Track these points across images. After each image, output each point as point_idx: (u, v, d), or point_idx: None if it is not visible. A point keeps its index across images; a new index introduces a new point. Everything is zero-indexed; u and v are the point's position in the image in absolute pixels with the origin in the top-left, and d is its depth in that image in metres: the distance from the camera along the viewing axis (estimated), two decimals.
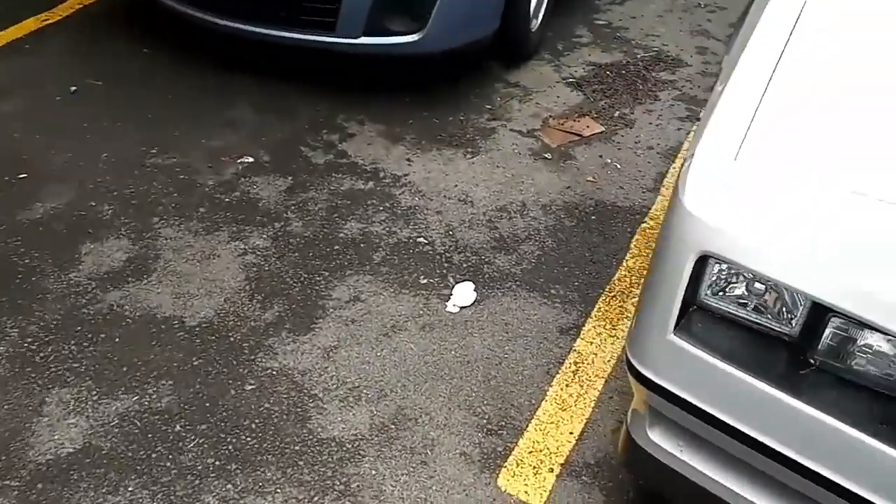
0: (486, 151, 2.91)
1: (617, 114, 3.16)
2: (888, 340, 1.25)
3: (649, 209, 2.67)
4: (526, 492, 1.79)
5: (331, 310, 2.22)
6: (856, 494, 1.28)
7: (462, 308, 2.26)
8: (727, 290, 1.38)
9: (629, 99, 3.25)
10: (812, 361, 1.32)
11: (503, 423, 1.95)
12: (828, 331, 1.28)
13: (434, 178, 2.76)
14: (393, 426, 1.91)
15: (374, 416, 1.93)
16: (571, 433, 1.93)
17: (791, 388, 1.31)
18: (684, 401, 1.41)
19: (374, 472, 1.81)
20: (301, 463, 1.82)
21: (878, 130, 1.43)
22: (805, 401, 1.29)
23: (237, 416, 1.91)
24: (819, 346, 1.30)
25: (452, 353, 2.12)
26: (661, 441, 1.53)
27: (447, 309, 2.26)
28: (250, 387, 1.98)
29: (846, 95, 1.50)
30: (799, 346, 1.32)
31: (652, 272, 1.44)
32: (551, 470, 1.84)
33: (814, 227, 1.28)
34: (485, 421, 1.95)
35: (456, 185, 2.74)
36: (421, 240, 2.50)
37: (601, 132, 3.05)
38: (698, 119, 3.10)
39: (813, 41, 1.61)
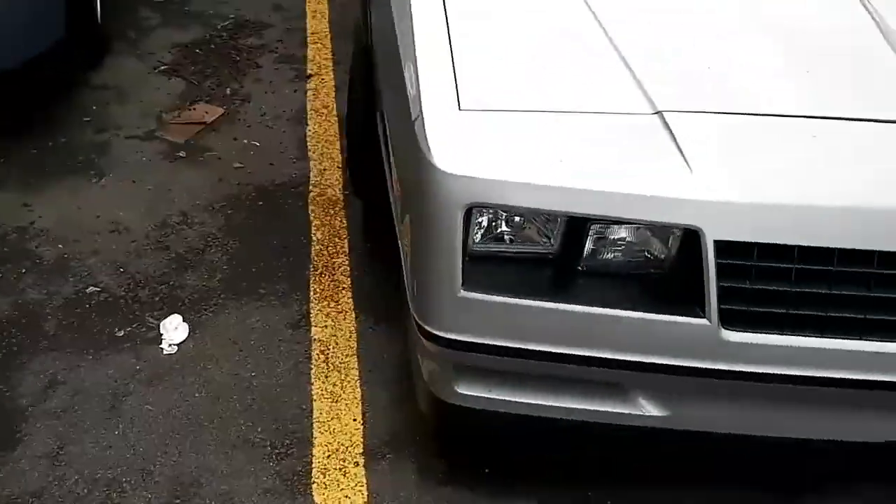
0: (111, 169, 2.59)
1: (228, 91, 3.01)
2: (629, 229, 1.45)
3: (309, 177, 2.64)
4: (346, 496, 1.73)
5: (30, 409, 1.84)
6: (637, 362, 1.48)
7: (179, 344, 2.03)
8: (493, 232, 1.45)
9: (232, 73, 3.11)
10: (580, 268, 1.47)
11: (288, 442, 1.83)
12: (588, 237, 1.44)
13: (69, 217, 2.39)
14: (178, 502, 1.68)
15: (151, 501, 1.68)
16: (355, 420, 1.90)
17: (573, 297, 1.45)
18: (490, 345, 1.47)
19: None
20: None
21: (557, 52, 1.59)
22: (584, 302, 1.44)
23: None
24: (584, 253, 1.46)
25: (197, 395, 1.92)
26: (470, 391, 1.58)
27: (164, 352, 2.01)
28: None
29: (519, 29, 1.64)
30: (565, 258, 1.46)
31: (420, 238, 1.45)
32: (357, 464, 1.80)
33: (551, 152, 1.41)
34: (269, 448, 1.82)
35: (98, 216, 2.40)
36: (91, 289, 2.16)
37: (222, 114, 2.89)
38: (308, 76, 3.11)
39: None
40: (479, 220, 1.42)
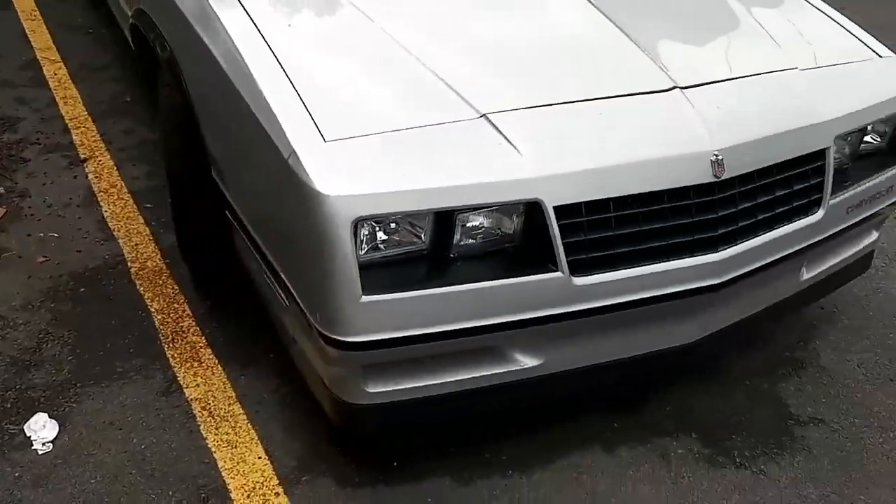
0: None
1: (2, 190, 2.87)
2: (484, 215, 1.72)
3: (123, 255, 2.61)
4: None
5: None
6: (511, 321, 1.75)
7: (53, 441, 1.96)
8: (375, 241, 1.65)
9: (4, 167, 2.96)
10: (452, 255, 1.72)
11: (204, 495, 1.86)
12: (454, 228, 1.69)
13: None
14: None
15: None
16: (260, 458, 1.97)
17: (451, 280, 1.69)
18: (393, 339, 1.66)
19: None
20: None
21: (383, 78, 1.83)
22: (460, 281, 1.68)
23: None
24: (452, 242, 1.70)
25: (92, 480, 1.87)
26: (379, 388, 1.76)
27: (40, 452, 1.93)
28: None
29: (340, 61, 1.86)
30: (438, 249, 1.70)
31: (313, 261, 1.61)
32: (277, 494, 1.88)
33: (410, 163, 1.64)
34: None
35: None
36: None
37: (4, 214, 2.76)
38: (83, 160, 3.05)
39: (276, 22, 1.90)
40: (363, 232, 1.61)
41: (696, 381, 2.29)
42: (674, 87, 1.91)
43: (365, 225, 1.61)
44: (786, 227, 1.99)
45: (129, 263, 2.59)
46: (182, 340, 2.31)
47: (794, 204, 2.01)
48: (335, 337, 1.64)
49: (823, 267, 2.29)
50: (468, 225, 1.73)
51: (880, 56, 2.33)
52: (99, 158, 3.10)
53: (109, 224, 2.77)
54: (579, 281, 1.74)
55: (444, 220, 1.67)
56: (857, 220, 2.20)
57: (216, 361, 2.24)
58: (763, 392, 2.29)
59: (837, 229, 2.15)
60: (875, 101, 2.16)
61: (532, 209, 1.70)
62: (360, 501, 1.89)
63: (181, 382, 2.17)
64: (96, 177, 3.00)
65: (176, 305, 2.44)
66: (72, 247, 2.65)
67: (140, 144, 3.20)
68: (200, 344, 2.30)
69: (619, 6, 2.16)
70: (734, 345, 2.34)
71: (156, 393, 2.14)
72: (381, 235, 1.66)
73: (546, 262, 1.73)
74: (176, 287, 2.50)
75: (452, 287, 1.68)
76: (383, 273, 1.65)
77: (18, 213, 2.78)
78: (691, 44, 2.19)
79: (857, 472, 2.07)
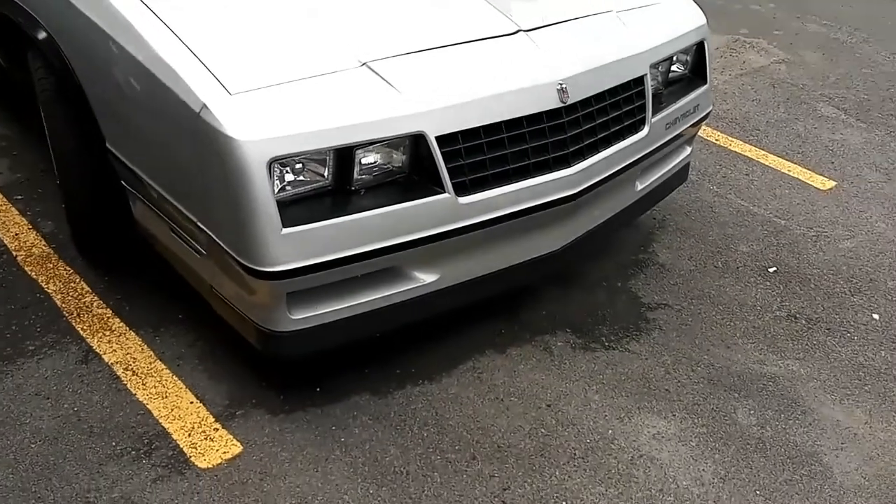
0: None
1: None
2: (375, 150, 1.96)
3: (4, 244, 2.61)
4: (223, 453, 1.98)
5: None
6: (408, 241, 2.00)
7: None
8: (284, 181, 1.85)
9: None
10: (352, 189, 1.95)
11: (147, 440, 2.00)
12: (355, 163, 1.92)
13: None
14: None
15: None
16: (192, 402, 2.12)
17: (354, 209, 1.92)
18: (311, 265, 1.88)
19: None
20: None
21: (262, 32, 2.02)
22: (361, 210, 1.92)
23: None
24: (352, 178, 1.93)
25: (32, 445, 1.95)
26: (302, 314, 1.97)
27: None
28: None
29: (218, 17, 2.03)
30: (341, 184, 1.93)
31: (233, 204, 1.78)
32: (216, 429, 2.05)
33: (309, 107, 1.85)
34: (134, 452, 1.97)
35: None
36: None
37: None
38: None
39: None
40: (276, 173, 1.81)
41: (562, 286, 2.66)
42: (518, 31, 2.24)
43: (277, 166, 1.81)
44: (621, 142, 2.38)
45: (13, 252, 2.61)
46: (88, 314, 2.39)
47: (625, 123, 2.40)
48: (262, 269, 1.83)
49: (653, 178, 2.72)
50: (364, 161, 1.97)
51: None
52: None
53: None
54: (463, 200, 2.03)
55: (344, 157, 1.90)
56: (674, 135, 2.64)
57: (127, 328, 2.35)
58: (617, 289, 2.70)
59: (660, 143, 2.57)
60: (676, 34, 2.60)
61: (417, 141, 1.97)
62: (294, 424, 2.09)
63: (97, 350, 2.26)
64: None
65: (73, 284, 2.50)
66: None
67: (4, 142, 3.16)
68: (107, 315, 2.39)
69: None
70: (589, 252, 2.73)
71: (74, 363, 2.22)
72: (288, 177, 1.87)
73: (434, 186, 2.00)
74: (69, 268, 2.55)
75: (357, 215, 1.92)
76: (297, 208, 1.86)
77: None
78: None
79: (699, 338, 2.52)
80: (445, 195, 2.00)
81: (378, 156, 1.99)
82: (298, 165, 1.87)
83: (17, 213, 2.79)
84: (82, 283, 2.50)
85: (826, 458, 2.16)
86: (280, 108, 1.84)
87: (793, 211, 3.22)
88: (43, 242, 2.66)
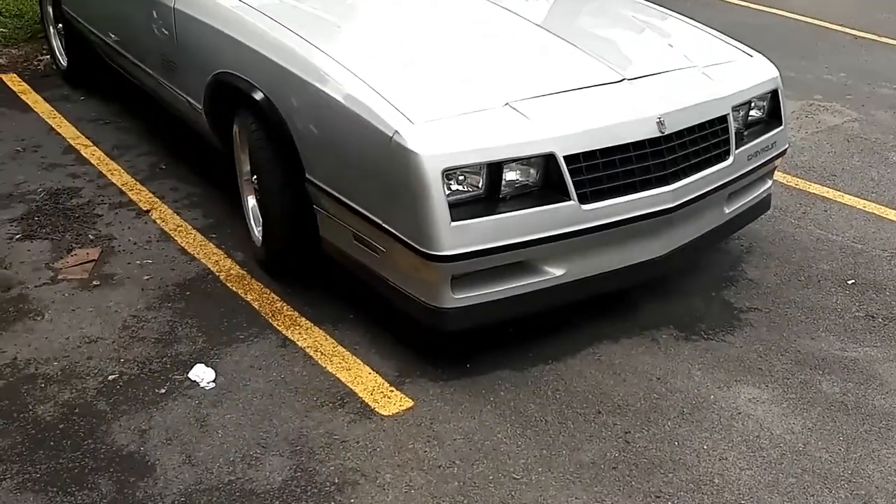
0: (44, 309, 3.00)
1: (91, 237, 3.51)
2: (516, 168, 2.54)
3: (209, 269, 3.28)
4: (401, 406, 2.51)
5: None
6: (545, 237, 2.56)
7: (213, 381, 2.62)
8: (452, 188, 2.44)
9: (82, 226, 3.59)
10: (502, 196, 2.52)
11: (342, 397, 2.55)
12: (503, 176, 2.50)
13: (42, 347, 2.78)
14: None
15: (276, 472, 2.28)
16: (370, 373, 2.68)
17: (503, 210, 2.48)
18: (474, 251, 2.44)
19: None
20: None
21: (431, 71, 2.68)
22: (509, 210, 2.48)
23: None
24: (501, 187, 2.51)
25: (255, 400, 2.54)
26: (463, 294, 2.53)
27: (207, 388, 2.59)
28: None
29: (399, 43, 2.71)
30: (492, 192, 2.50)
31: (414, 204, 2.39)
32: (392, 391, 2.59)
33: (468, 133, 2.46)
34: (332, 404, 2.51)
35: (67, 338, 2.82)
36: (112, 377, 2.62)
37: (101, 252, 3.39)
38: (147, 211, 3.71)
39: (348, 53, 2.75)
40: (447, 181, 2.40)
41: (664, 294, 3.14)
42: (623, 79, 2.83)
43: (448, 176, 2.41)
44: (710, 168, 2.90)
45: (216, 273, 3.28)
46: (281, 315, 3.00)
47: (713, 153, 2.93)
48: (437, 252, 2.40)
49: (739, 204, 3.21)
50: (508, 178, 2.55)
51: (751, 56, 3.33)
52: (159, 209, 3.78)
53: (189, 250, 3.44)
54: (585, 207, 2.58)
55: (494, 171, 2.49)
56: (755, 165, 3.14)
57: (312, 324, 2.94)
58: (712, 298, 3.16)
59: (743, 171, 3.08)
60: (752, 83, 3.15)
61: (548, 161, 2.54)
62: (451, 388, 2.62)
63: (292, 338, 2.86)
64: (162, 221, 3.67)
65: (265, 295, 3.13)
66: (166, 268, 3.31)
67: (188, 196, 3.89)
68: (296, 315, 3.00)
69: (565, 30, 3.14)
70: (687, 266, 3.20)
71: (276, 347, 2.82)
72: (455, 186, 2.47)
73: (562, 195, 2.56)
74: (260, 284, 3.19)
75: (503, 214, 2.50)
76: (461, 209, 2.46)
77: (112, 251, 3.42)
78: (622, 50, 3.14)
79: (787, 332, 2.94)
80: (571, 202, 2.56)
81: (518, 173, 2.57)
82: (461, 177, 2.47)
83: (213, 246, 3.47)
84: (272, 294, 3.13)
85: None
86: (449, 134, 2.46)
87: (868, 238, 3.62)
88: (237, 267, 3.32)
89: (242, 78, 3.02)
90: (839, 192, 4.07)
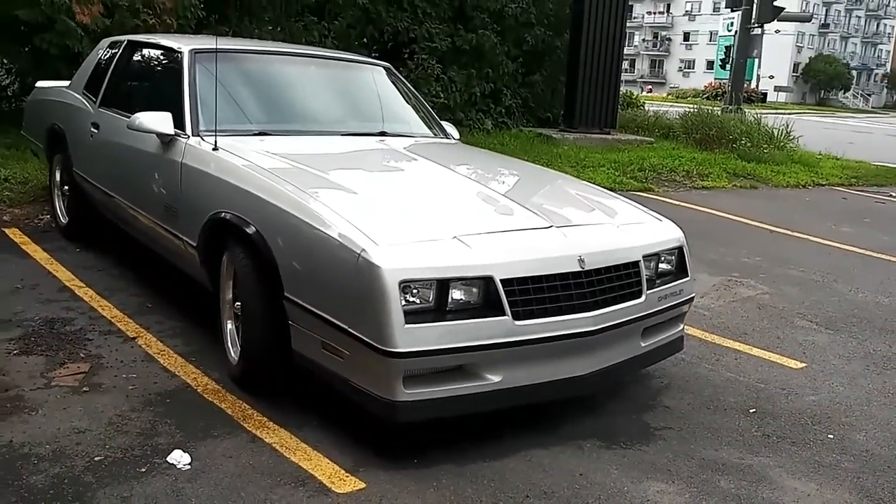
0: (38, 406, 3.33)
1: (81, 355, 3.90)
2: (460, 286, 3.07)
3: (188, 383, 3.66)
4: (355, 487, 2.83)
5: None
6: (482, 345, 3.05)
7: (189, 464, 2.96)
8: (408, 296, 2.94)
9: (74, 346, 4.00)
10: (446, 308, 3.02)
11: (303, 480, 2.87)
12: (449, 292, 3.02)
13: (37, 436, 3.09)
14: None
15: None
16: (328, 462, 3.01)
17: (446, 319, 2.98)
18: (421, 351, 2.90)
19: None
20: None
21: (402, 200, 3.27)
22: (451, 319, 2.98)
23: None
24: (447, 303, 3.02)
25: (226, 480, 2.86)
26: (415, 390, 2.97)
27: (183, 469, 2.92)
28: None
29: (361, 190, 3.30)
30: (440, 304, 3.01)
31: (374, 310, 2.88)
32: (347, 476, 2.92)
33: (425, 255, 3.01)
34: (294, 484, 2.83)
35: (58, 428, 3.14)
36: (98, 458, 2.93)
37: (91, 367, 3.77)
38: (134, 338, 4.12)
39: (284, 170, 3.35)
40: (402, 292, 2.92)
41: (589, 414, 3.58)
42: (551, 226, 3.46)
43: (403, 287, 2.92)
44: (626, 302, 3.47)
45: (195, 387, 3.66)
46: (252, 419, 3.37)
47: (628, 290, 3.51)
48: (392, 349, 2.87)
49: (653, 340, 3.75)
50: (453, 294, 3.08)
51: (660, 220, 4.02)
52: (144, 337, 4.20)
53: (170, 369, 3.84)
54: (518, 322, 3.10)
55: (442, 287, 3.02)
56: (665, 307, 3.72)
57: (278, 426, 3.31)
58: (632, 420, 3.62)
59: (654, 310, 3.65)
60: (660, 239, 3.81)
61: (488, 282, 3.09)
62: (399, 476, 2.98)
63: (261, 436, 3.23)
64: (147, 346, 4.09)
65: (238, 404, 3.51)
66: (149, 381, 3.69)
67: (171, 328, 4.33)
68: (265, 420, 3.37)
69: (505, 189, 3.80)
70: (607, 386, 3.67)
71: (246, 442, 3.17)
72: (409, 297, 2.98)
73: (499, 311, 3.08)
74: (234, 396, 3.58)
75: (449, 323, 2.99)
76: (413, 315, 2.95)
77: (101, 366, 3.81)
78: (551, 206, 3.80)
79: (694, 445, 3.39)
80: (506, 318, 3.08)
81: (462, 293, 3.10)
82: (415, 290, 3.00)
83: (193, 367, 3.88)
84: (244, 403, 3.51)
85: None
86: (406, 255, 3.02)
87: (771, 380, 4.15)
88: (214, 383, 3.71)
89: (237, 216, 3.60)
90: (749, 346, 4.64)
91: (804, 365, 4.39)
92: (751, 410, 3.77)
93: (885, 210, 10.43)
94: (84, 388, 3.56)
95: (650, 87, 65.25)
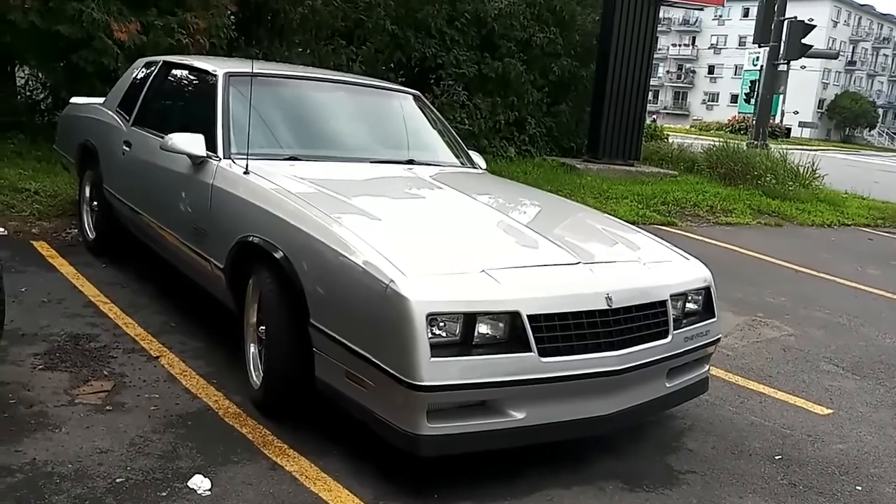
0: (62, 423, 3.33)
1: (105, 373, 3.91)
2: (487, 323, 3.05)
3: (209, 405, 3.66)
4: None
5: None
6: (507, 381, 3.03)
7: (209, 489, 2.94)
8: (434, 329, 2.93)
9: (98, 363, 4.01)
10: (472, 343, 3.01)
11: None
12: (476, 327, 3.00)
13: (60, 454, 3.10)
14: None
15: None
16: (349, 494, 2.99)
17: (473, 354, 2.96)
18: (448, 385, 2.88)
19: None
20: None
21: (431, 232, 3.27)
22: (477, 354, 2.96)
23: None
24: (473, 337, 3.01)
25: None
26: (437, 424, 2.94)
27: (204, 495, 2.91)
28: None
29: (390, 220, 3.31)
30: (466, 339, 2.99)
31: (402, 341, 2.87)
32: None
33: (450, 289, 3.01)
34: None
35: (81, 448, 3.15)
36: (119, 479, 2.93)
37: (114, 385, 3.78)
38: (157, 357, 4.14)
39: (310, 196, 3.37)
40: (429, 325, 2.91)
41: (613, 455, 3.53)
42: (580, 262, 3.45)
43: (430, 320, 2.91)
44: (652, 342, 3.44)
45: (216, 410, 3.66)
46: (272, 446, 3.36)
47: (654, 330, 3.48)
48: (417, 382, 2.85)
49: (679, 381, 3.71)
50: (480, 329, 3.06)
51: (688, 259, 3.99)
52: (167, 357, 4.21)
53: (192, 391, 3.84)
54: (544, 359, 3.07)
55: (469, 321, 3.01)
56: (691, 347, 3.68)
57: (299, 455, 3.30)
58: (656, 461, 3.57)
59: (680, 350, 3.61)
60: (687, 279, 3.78)
61: (514, 318, 3.07)
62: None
63: (281, 464, 3.21)
64: (170, 366, 4.10)
65: (258, 429, 3.50)
66: (171, 402, 3.69)
67: (194, 349, 4.35)
68: (285, 447, 3.36)
69: (534, 223, 3.80)
70: (631, 426, 3.62)
71: (266, 469, 3.16)
72: (435, 331, 2.97)
73: (524, 348, 3.06)
74: (254, 421, 3.57)
75: (474, 357, 2.98)
76: (439, 349, 2.94)
77: (124, 385, 3.82)
78: (579, 242, 3.79)
79: (718, 491, 3.33)
80: (532, 354, 3.06)
81: (489, 327, 3.09)
82: (442, 323, 2.99)
83: (214, 389, 3.88)
84: (265, 429, 3.50)
85: None
86: (435, 288, 3.01)
87: (797, 426, 4.09)
88: (235, 407, 3.71)
89: (266, 240, 3.62)
90: (774, 390, 4.58)
91: (831, 411, 4.33)
92: (776, 457, 3.71)
93: None
94: (107, 407, 3.57)
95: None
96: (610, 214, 5.05)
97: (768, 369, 4.92)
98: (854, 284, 7.68)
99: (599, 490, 3.25)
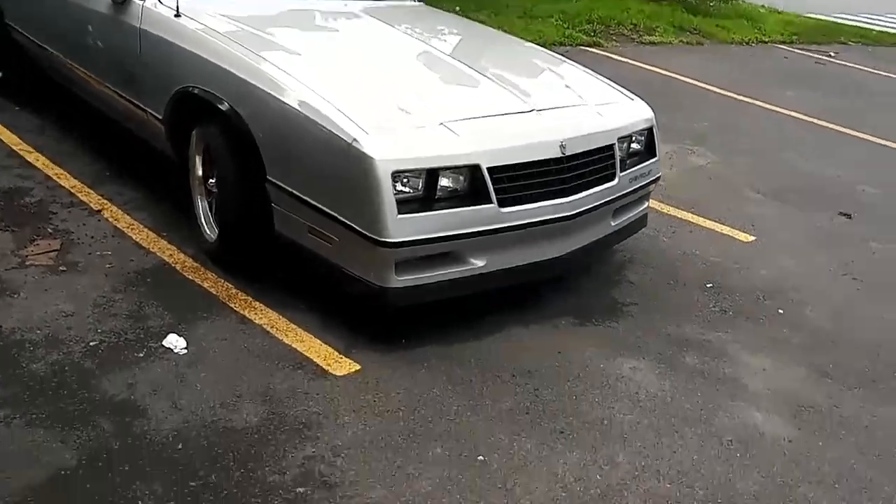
0: (18, 288, 3.29)
1: (49, 230, 3.81)
2: (449, 174, 3.10)
3: (164, 259, 3.65)
4: (351, 369, 2.98)
5: None
6: (468, 233, 3.13)
7: (185, 348, 3.01)
8: (398, 187, 2.96)
9: (38, 221, 3.88)
10: (435, 197, 3.06)
11: (299, 363, 2.99)
12: (438, 181, 3.04)
13: (26, 317, 3.09)
14: None
15: None
16: (322, 345, 3.13)
17: (433, 209, 3.03)
18: (414, 240, 2.97)
19: None
20: None
21: (386, 82, 3.24)
22: (438, 209, 3.04)
23: None
24: (435, 191, 3.05)
25: (223, 362, 2.95)
26: (406, 277, 3.05)
27: (180, 354, 2.98)
28: None
29: (342, 70, 3.24)
30: (429, 193, 3.04)
31: (367, 200, 2.90)
32: (341, 357, 3.05)
33: (411, 141, 3.01)
34: (292, 367, 2.96)
35: (46, 311, 3.13)
36: (93, 343, 2.96)
37: (62, 243, 3.70)
38: (98, 211, 4.03)
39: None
40: (394, 181, 2.93)
41: (562, 293, 3.77)
42: (532, 110, 3.47)
43: (395, 177, 2.94)
44: (601, 186, 3.57)
45: (172, 264, 3.66)
46: (237, 299, 3.42)
47: (603, 174, 3.60)
48: (385, 239, 2.92)
49: (622, 219, 3.90)
50: (442, 182, 3.11)
51: (632, 99, 4.06)
52: (110, 209, 4.11)
53: (143, 245, 3.80)
54: (503, 209, 3.17)
55: (431, 175, 3.05)
56: (635, 188, 3.84)
57: (266, 307, 3.38)
58: (601, 295, 3.84)
59: (626, 191, 3.77)
60: (633, 120, 3.87)
61: (474, 171, 3.12)
62: (391, 357, 3.13)
63: (250, 318, 3.29)
64: (115, 220, 4.01)
65: (220, 283, 3.54)
66: (125, 259, 3.66)
67: (133, 200, 4.23)
68: (250, 300, 3.42)
69: (484, 67, 3.79)
70: (582, 265, 3.85)
71: (236, 323, 3.25)
72: (399, 187, 3.00)
73: (485, 199, 3.14)
74: (213, 274, 3.60)
75: (438, 212, 3.05)
76: (405, 205, 2.99)
77: (72, 243, 3.74)
78: (530, 87, 3.80)
79: (658, 321, 3.64)
80: (492, 205, 3.14)
81: (450, 180, 3.14)
82: (405, 179, 3.01)
83: (165, 242, 3.85)
84: (227, 282, 3.54)
85: (742, 380, 3.26)
86: (397, 144, 3.01)
87: (724, 254, 4.42)
88: (191, 260, 3.71)
89: (209, 91, 3.47)
90: (702, 218, 4.87)
91: (754, 238, 4.66)
92: (708, 285, 4.03)
93: (825, 72, 10.67)
94: (61, 268, 3.52)
95: None
96: (537, 36, 4.97)
97: (697, 198, 5.19)
98: (774, 108, 7.97)
99: (554, 327, 3.49)
